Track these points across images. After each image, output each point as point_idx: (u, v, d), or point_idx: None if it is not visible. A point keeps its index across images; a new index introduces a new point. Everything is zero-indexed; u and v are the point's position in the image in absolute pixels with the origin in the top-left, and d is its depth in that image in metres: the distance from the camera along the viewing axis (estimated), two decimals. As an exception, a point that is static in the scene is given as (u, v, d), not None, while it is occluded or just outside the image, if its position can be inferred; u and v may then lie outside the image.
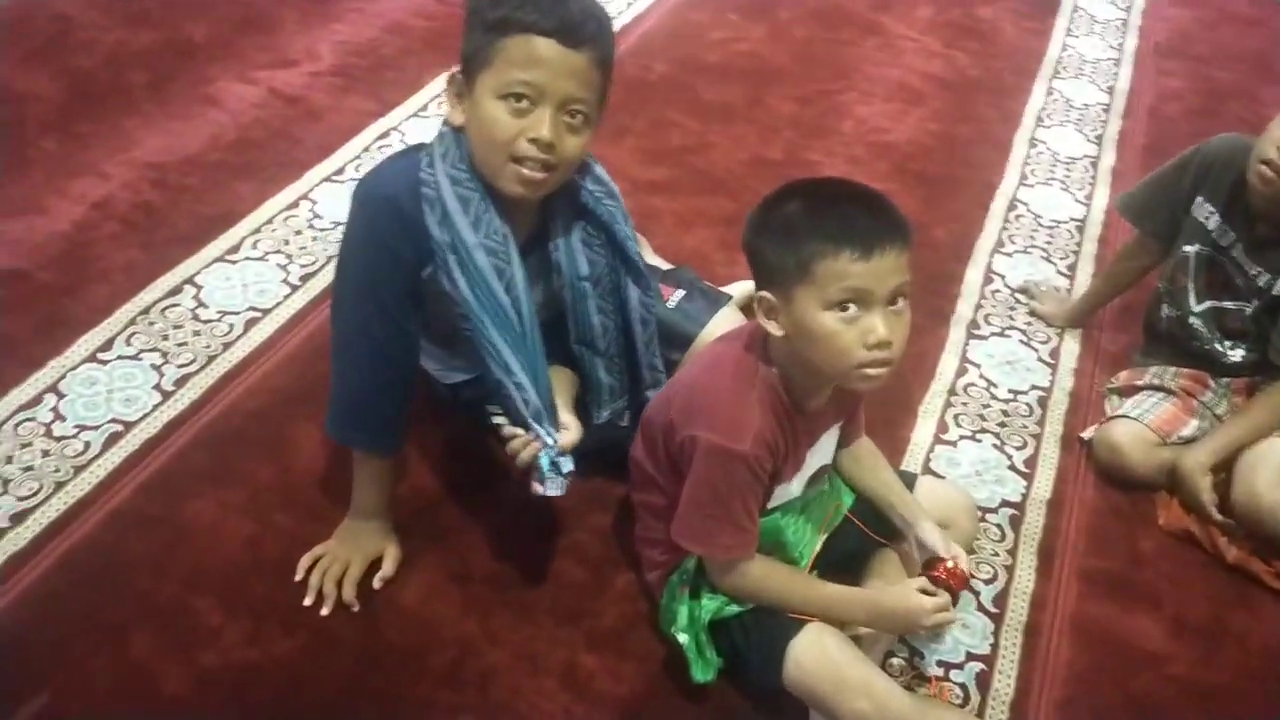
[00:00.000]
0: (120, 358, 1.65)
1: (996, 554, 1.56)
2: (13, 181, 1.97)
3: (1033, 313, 2.02)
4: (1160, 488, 1.66)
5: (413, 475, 1.53)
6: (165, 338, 1.69)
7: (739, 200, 2.17)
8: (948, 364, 1.88)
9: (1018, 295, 2.06)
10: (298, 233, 1.95)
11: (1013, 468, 1.70)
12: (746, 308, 1.66)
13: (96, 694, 1.24)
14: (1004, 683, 1.39)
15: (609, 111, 1.30)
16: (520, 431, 1.27)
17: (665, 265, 1.78)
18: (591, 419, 1.42)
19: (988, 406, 1.81)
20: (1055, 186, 2.42)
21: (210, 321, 1.73)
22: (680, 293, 1.60)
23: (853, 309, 1.13)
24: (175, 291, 1.78)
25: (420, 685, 1.30)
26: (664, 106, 2.48)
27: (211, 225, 1.93)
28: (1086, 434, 1.74)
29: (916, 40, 2.95)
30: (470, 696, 1.30)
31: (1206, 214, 1.70)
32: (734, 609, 1.28)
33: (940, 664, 1.40)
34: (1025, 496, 1.65)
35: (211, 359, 1.67)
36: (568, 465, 1.27)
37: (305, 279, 1.85)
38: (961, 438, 1.74)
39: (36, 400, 1.57)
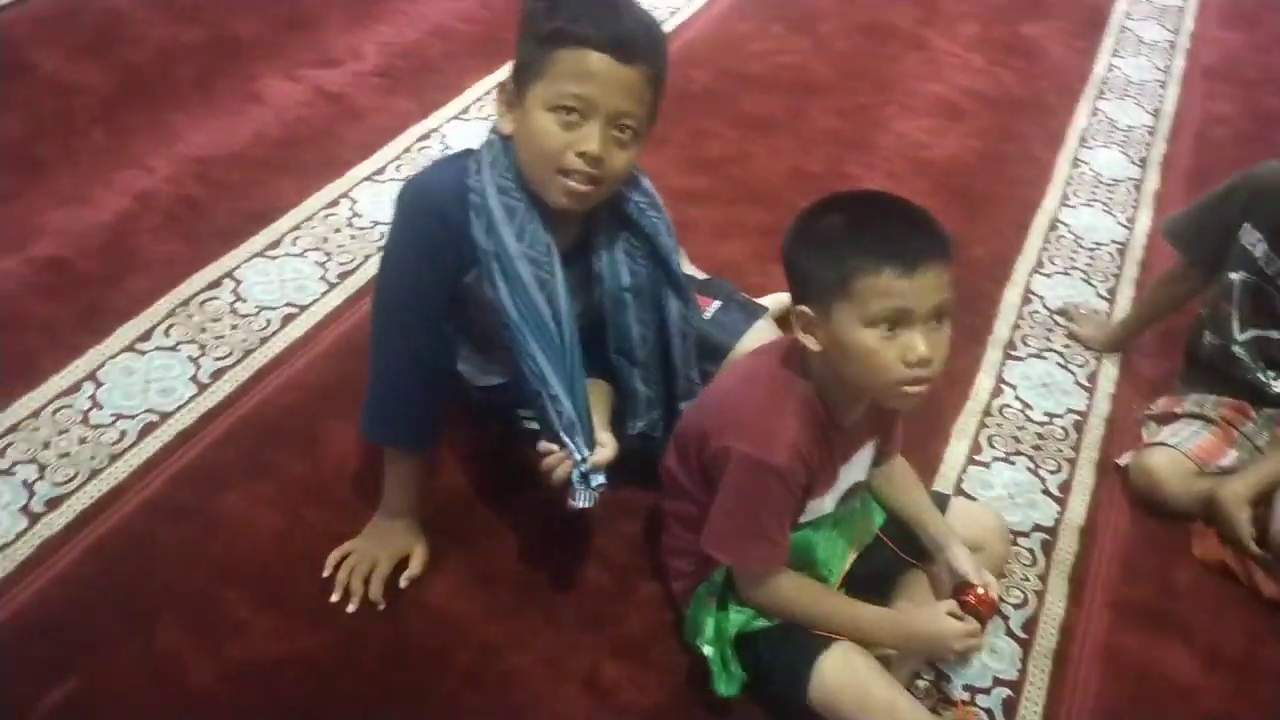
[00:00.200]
0: (158, 348, 1.67)
1: (1027, 579, 1.53)
2: (60, 172, 2.00)
3: (1071, 335, 1.99)
4: (1197, 518, 1.63)
5: (442, 476, 1.53)
6: (203, 330, 1.71)
7: (776, 212, 2.15)
8: (983, 384, 1.86)
9: (1056, 317, 2.04)
10: (337, 231, 1.97)
11: (1046, 492, 1.68)
12: (782, 320, 1.65)
13: (124, 681, 1.25)
14: (1031, 710, 1.37)
15: (650, 120, 1.30)
16: (555, 448, 1.27)
17: (702, 275, 1.78)
18: (625, 429, 1.42)
19: (1022, 429, 1.79)
20: (1097, 208, 2.39)
21: (248, 316, 1.75)
22: (717, 304, 1.59)
23: (893, 326, 1.12)
24: (214, 285, 1.80)
25: (443, 685, 1.30)
26: (704, 116, 2.48)
27: (252, 221, 1.95)
28: (1123, 460, 1.72)
29: (960, 56, 2.93)
30: (492, 699, 1.29)
31: (1253, 241, 1.67)
32: (761, 623, 1.27)
33: (967, 688, 1.38)
34: (1058, 521, 1.63)
35: (248, 353, 1.68)
36: (599, 479, 1.27)
37: (343, 277, 1.86)
38: (995, 459, 1.72)
39: (75, 388, 1.59)
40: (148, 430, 1.53)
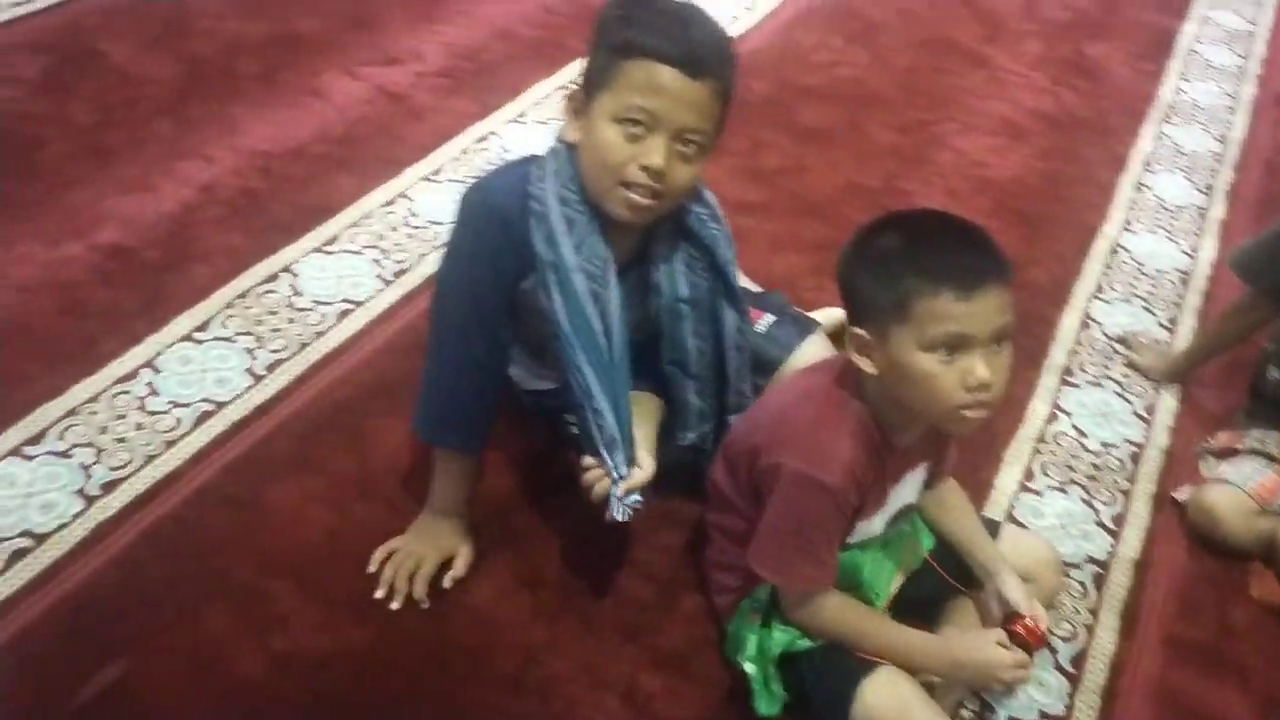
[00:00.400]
0: (216, 339, 1.69)
1: (1078, 612, 1.50)
2: (127, 161, 2.04)
3: (1130, 364, 1.95)
4: (1256, 557, 1.59)
5: (489, 477, 1.53)
6: (260, 322, 1.73)
7: (832, 225, 2.14)
8: (1038, 410, 1.83)
9: (1115, 345, 2.00)
10: (394, 229, 1.98)
11: (1100, 523, 1.64)
12: (835, 335, 1.64)
13: (171, 666, 1.26)
14: (1078, 746, 1.34)
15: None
16: (594, 462, 1.27)
17: (755, 288, 1.77)
18: (675, 440, 1.41)
19: (1077, 457, 1.75)
20: (1160, 234, 2.35)
21: (304, 310, 1.77)
22: (770, 318, 1.58)
23: (952, 350, 1.10)
24: (272, 278, 1.82)
25: (483, 688, 1.30)
26: (762, 127, 2.47)
27: (311, 215, 1.97)
28: (1180, 495, 1.68)
29: (1023, 75, 2.89)
30: (531, 704, 1.29)
31: (1325, 275, 1.63)
32: (805, 643, 1.26)
33: (1011, 720, 1.36)
34: (1111, 554, 1.59)
35: (303, 346, 1.70)
36: (635, 497, 1.26)
37: (398, 275, 1.87)
38: (1048, 488, 1.68)
39: (133, 374, 1.61)
40: (202, 419, 1.55)
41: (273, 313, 1.75)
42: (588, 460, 1.27)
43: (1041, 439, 1.77)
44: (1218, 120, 2.83)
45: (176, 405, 1.57)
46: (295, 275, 1.83)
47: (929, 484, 1.35)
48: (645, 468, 1.27)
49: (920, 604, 1.34)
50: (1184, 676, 1.45)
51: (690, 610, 1.42)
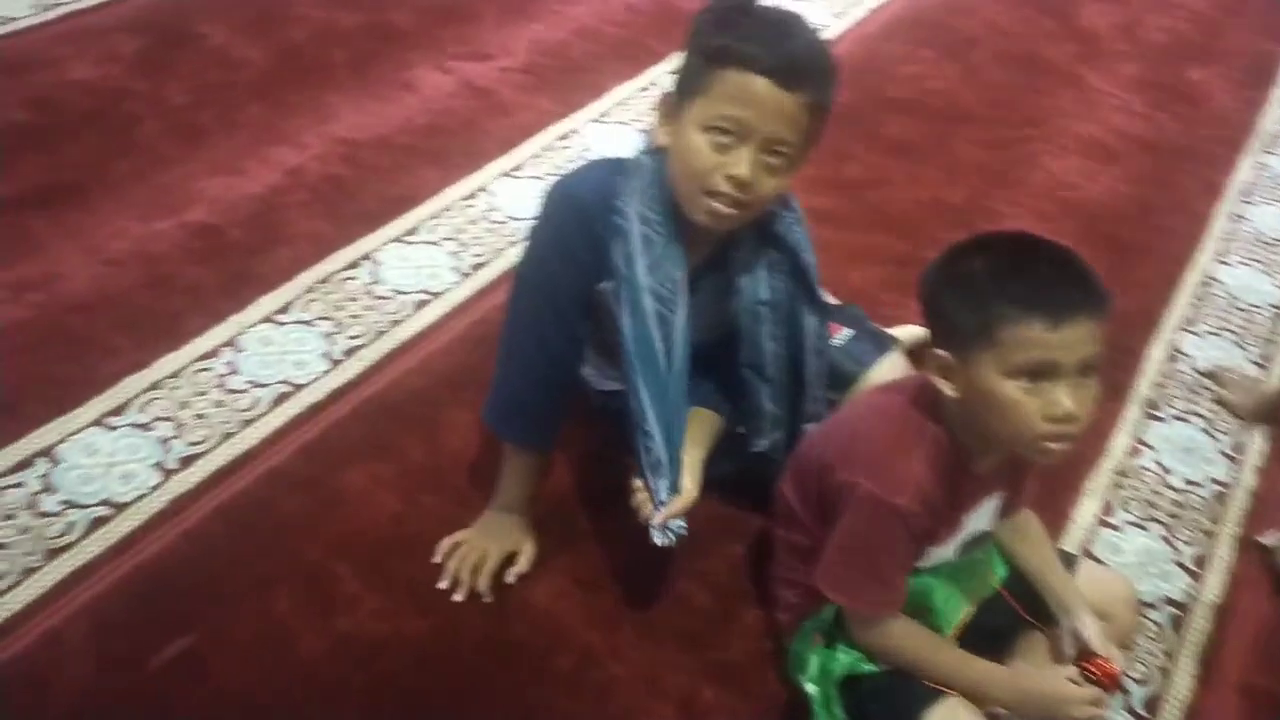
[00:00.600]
0: (297, 322, 1.71)
1: (1153, 654, 1.46)
2: (219, 142, 2.08)
3: (1219, 400, 1.89)
4: (1345, 610, 1.53)
5: (555, 475, 1.53)
6: (339, 308, 1.75)
7: (912, 241, 2.11)
8: (1120, 442, 1.77)
9: (1204, 380, 1.93)
10: (473, 222, 1.99)
11: (1180, 564, 1.59)
12: (911, 353, 1.61)
13: (238, 642, 1.28)
14: (1148, 793, 1.30)
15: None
16: (641, 485, 1.27)
17: (832, 300, 1.74)
18: (747, 447, 1.40)
19: (1159, 494, 1.70)
20: (1255, 268, 2.26)
21: (383, 298, 1.79)
22: (847, 332, 1.56)
23: (1037, 378, 1.08)
24: (353, 265, 1.84)
25: (541, 687, 1.30)
26: (844, 136, 2.43)
27: (394, 205, 1.99)
28: (1267, 540, 1.62)
29: (1118, 97, 2.81)
30: (587, 706, 1.29)
31: None
32: (869, 667, 1.23)
33: (1079, 761, 1.31)
34: (1191, 597, 1.54)
35: (380, 334, 1.72)
36: (679, 523, 1.25)
37: (476, 269, 1.88)
38: (1127, 523, 1.63)
39: (215, 352, 1.64)
40: (280, 400, 1.58)
41: (352, 299, 1.77)
42: (636, 483, 1.28)
43: (1123, 472, 1.72)
44: (1322, 152, 2.73)
45: (255, 385, 1.60)
46: (376, 263, 1.85)
47: (1005, 512, 1.32)
48: (685, 495, 1.27)
49: (990, 635, 1.31)
50: (1262, 729, 1.39)
51: (751, 624, 1.40)
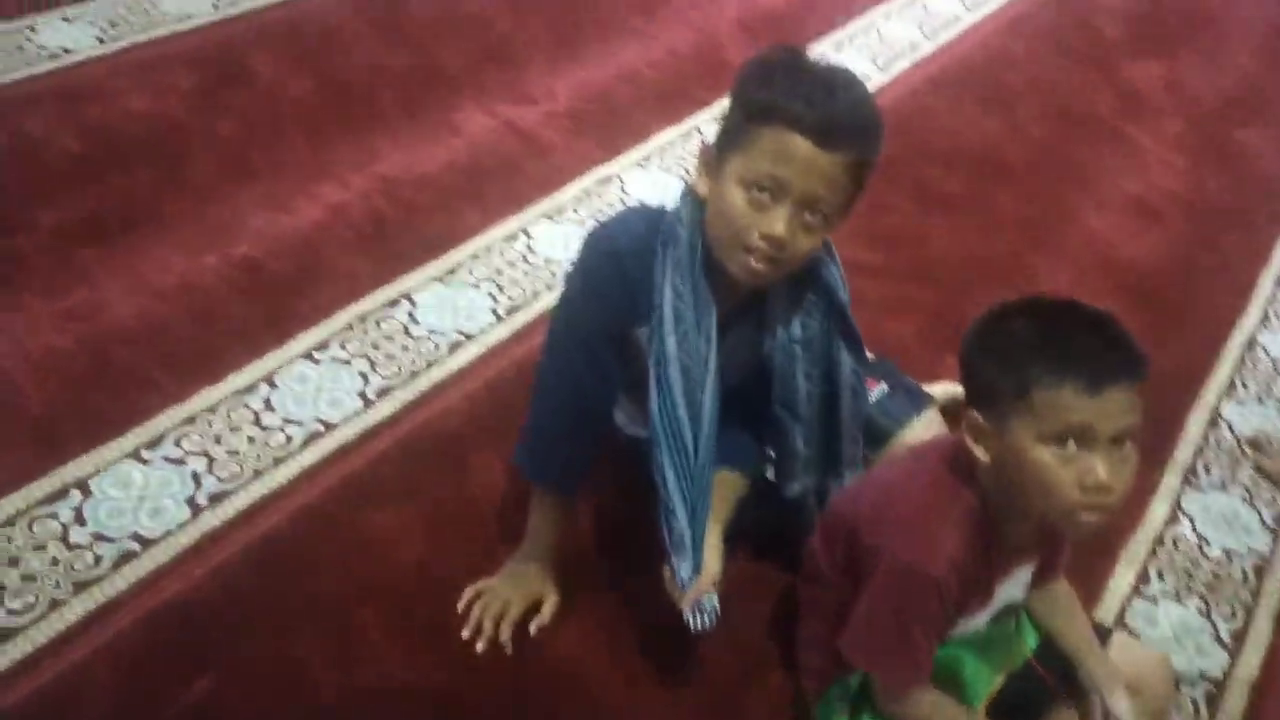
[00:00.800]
0: (333, 359, 1.73)
1: (1188, 733, 1.42)
2: (266, 177, 2.11)
3: (1260, 469, 1.85)
4: (1390, 696, 1.48)
5: (581, 522, 1.52)
6: (376, 346, 1.76)
7: (950, 294, 2.09)
8: (1157, 510, 1.74)
9: (1246, 448, 1.89)
10: (511, 265, 2.01)
11: (1217, 638, 1.55)
12: (946, 410, 1.59)
13: (256, 685, 1.28)
14: None
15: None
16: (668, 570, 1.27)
17: (869, 355, 1.73)
18: (779, 492, 1.39)
19: (1196, 564, 1.66)
20: (1302, 335, 2.23)
21: (419, 338, 1.80)
22: (883, 387, 1.55)
23: (1072, 446, 1.06)
24: (392, 304, 1.85)
25: (558, 743, 1.29)
26: (884, 188, 2.40)
27: (434, 245, 2.00)
28: (1309, 617, 1.58)
29: (1163, 156, 2.78)
30: (603, 765, 1.28)
31: None
32: (895, 738, 1.21)
33: (1108, 843, 1.27)
34: (1227, 673, 1.50)
35: (414, 375, 1.72)
36: (711, 602, 1.25)
37: (511, 312, 1.89)
38: (1163, 594, 1.60)
39: (252, 387, 1.65)
40: (312, 439, 1.59)
41: (389, 338, 1.79)
42: (667, 572, 1.27)
43: (1159, 541, 1.69)
44: (1374, 218, 2.68)
45: (289, 422, 1.61)
46: (414, 304, 1.87)
47: (1038, 581, 1.29)
48: (707, 573, 1.26)
49: (1019, 708, 1.28)
50: (1300, 818, 1.35)
51: (775, 687, 1.38)
